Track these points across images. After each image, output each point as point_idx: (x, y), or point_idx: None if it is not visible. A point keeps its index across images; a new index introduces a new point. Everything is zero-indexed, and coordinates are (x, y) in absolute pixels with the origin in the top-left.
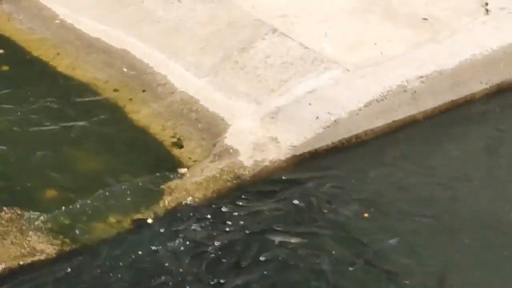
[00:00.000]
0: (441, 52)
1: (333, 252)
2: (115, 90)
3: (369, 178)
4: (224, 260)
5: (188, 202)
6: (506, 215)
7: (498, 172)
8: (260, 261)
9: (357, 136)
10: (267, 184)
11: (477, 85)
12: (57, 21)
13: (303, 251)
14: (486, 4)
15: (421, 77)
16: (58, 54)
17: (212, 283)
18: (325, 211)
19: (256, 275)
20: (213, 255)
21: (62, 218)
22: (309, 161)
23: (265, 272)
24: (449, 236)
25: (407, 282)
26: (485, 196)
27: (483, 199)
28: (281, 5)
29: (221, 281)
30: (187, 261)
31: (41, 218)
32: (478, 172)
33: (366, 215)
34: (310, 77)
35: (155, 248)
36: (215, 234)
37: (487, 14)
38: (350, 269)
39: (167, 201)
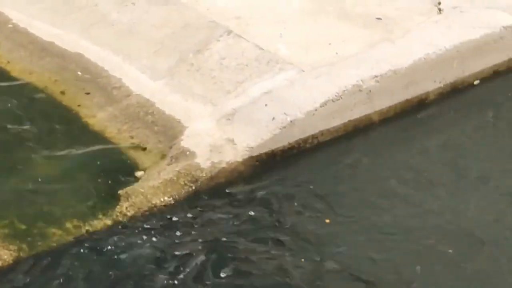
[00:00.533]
0: (395, 51)
1: (295, 259)
2: (70, 94)
3: (328, 180)
4: (183, 271)
5: (146, 208)
6: (468, 221)
7: (455, 174)
8: (221, 272)
9: (313, 137)
10: (224, 187)
11: (431, 84)
12: (10, 25)
13: (264, 259)
14: (439, 3)
15: (376, 76)
16: (11, 58)
17: None
18: (285, 216)
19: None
20: (171, 265)
21: (18, 224)
22: (266, 162)
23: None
24: (412, 241)
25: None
26: (443, 201)
27: (441, 204)
28: (236, 6)
29: None
30: (145, 271)
31: None
32: (435, 170)
33: (327, 221)
34: (266, 78)
35: (112, 256)
36: (173, 243)
37: (440, 13)
38: (316, 277)
39: (124, 207)
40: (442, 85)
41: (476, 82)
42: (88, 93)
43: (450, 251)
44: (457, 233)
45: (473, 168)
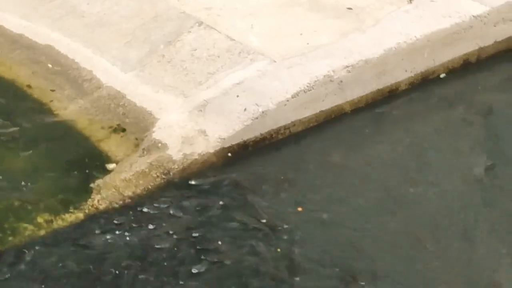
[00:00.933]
0: (366, 41)
1: (269, 248)
2: (40, 87)
3: (300, 170)
4: (157, 264)
5: (118, 201)
6: (435, 210)
7: (423, 164)
8: (195, 264)
9: (285, 127)
10: (197, 178)
11: (402, 74)
12: None
13: (238, 248)
14: None
15: (347, 66)
16: None
17: None
18: (258, 205)
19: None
20: (145, 258)
21: None
22: (238, 153)
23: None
24: (382, 228)
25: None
26: (412, 190)
27: (409, 193)
28: None
29: None
30: (118, 264)
31: None
32: (404, 161)
33: (300, 209)
34: (237, 69)
35: (85, 250)
36: (146, 235)
37: (410, 2)
38: (290, 265)
39: (96, 200)
40: (413, 75)
41: (442, 75)
42: (53, 90)
43: (418, 238)
44: (425, 221)
45: (441, 160)
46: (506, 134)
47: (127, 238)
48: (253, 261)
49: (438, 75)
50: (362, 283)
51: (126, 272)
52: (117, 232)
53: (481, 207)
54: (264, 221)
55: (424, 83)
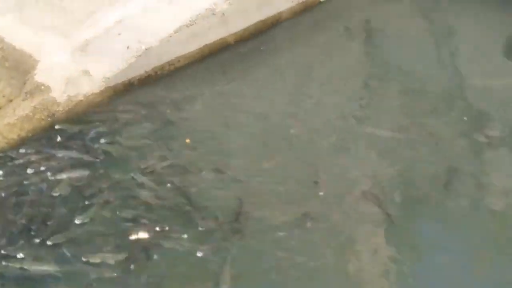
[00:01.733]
0: None
1: (156, 184)
2: None
3: (185, 104)
4: (40, 206)
5: (2, 145)
6: (319, 128)
7: (304, 81)
8: (78, 213)
9: (170, 63)
10: (82, 119)
11: (283, 4)
12: None
13: (122, 187)
14: None
15: None
16: None
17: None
18: (145, 144)
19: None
20: (26, 202)
21: None
22: (124, 92)
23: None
24: (259, 146)
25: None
26: (292, 106)
27: (291, 107)
28: None
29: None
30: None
31: None
32: (289, 81)
33: (187, 141)
34: (118, 6)
35: None
36: (29, 180)
37: None
38: (176, 202)
39: None
40: (294, 4)
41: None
42: None
43: (295, 138)
44: (304, 125)
45: (325, 79)
46: (382, 47)
47: (11, 182)
48: (142, 195)
49: (318, 3)
50: (248, 210)
51: (11, 219)
52: (1, 178)
53: (359, 122)
54: (151, 155)
55: (306, 10)
